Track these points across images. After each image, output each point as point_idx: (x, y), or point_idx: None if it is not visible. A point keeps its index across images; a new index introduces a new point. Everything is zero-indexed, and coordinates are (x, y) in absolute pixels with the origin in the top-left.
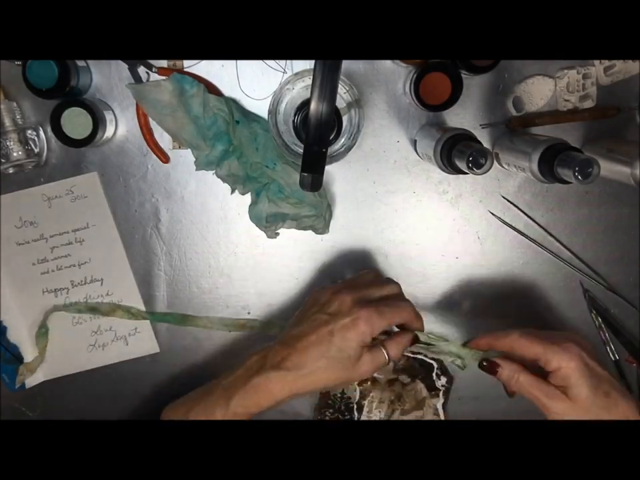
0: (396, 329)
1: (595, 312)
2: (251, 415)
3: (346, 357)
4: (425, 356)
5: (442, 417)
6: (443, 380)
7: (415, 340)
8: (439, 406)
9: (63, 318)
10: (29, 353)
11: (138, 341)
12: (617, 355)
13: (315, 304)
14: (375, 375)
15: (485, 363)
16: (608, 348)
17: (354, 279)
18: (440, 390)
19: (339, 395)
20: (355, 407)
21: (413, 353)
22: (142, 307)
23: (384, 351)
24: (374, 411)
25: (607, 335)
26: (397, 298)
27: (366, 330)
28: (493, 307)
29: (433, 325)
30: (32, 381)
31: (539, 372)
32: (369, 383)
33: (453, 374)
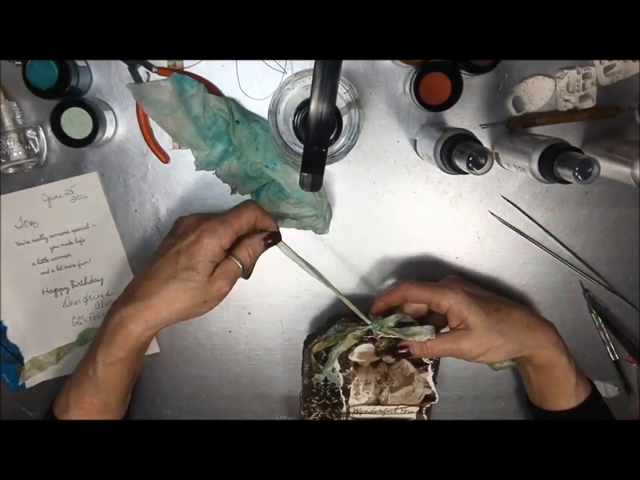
0: None
1: (595, 312)
2: (120, 362)
3: (194, 273)
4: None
5: (433, 389)
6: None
7: (273, 238)
8: (429, 379)
9: (62, 318)
10: (29, 353)
11: None
12: (617, 355)
13: (166, 237)
14: (357, 360)
15: (399, 352)
16: (608, 348)
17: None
18: (428, 364)
19: (322, 383)
20: (341, 391)
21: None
22: None
23: (234, 259)
24: (362, 392)
25: (606, 335)
26: (239, 205)
27: (211, 241)
28: None
29: None
30: (32, 381)
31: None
32: (351, 368)
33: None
